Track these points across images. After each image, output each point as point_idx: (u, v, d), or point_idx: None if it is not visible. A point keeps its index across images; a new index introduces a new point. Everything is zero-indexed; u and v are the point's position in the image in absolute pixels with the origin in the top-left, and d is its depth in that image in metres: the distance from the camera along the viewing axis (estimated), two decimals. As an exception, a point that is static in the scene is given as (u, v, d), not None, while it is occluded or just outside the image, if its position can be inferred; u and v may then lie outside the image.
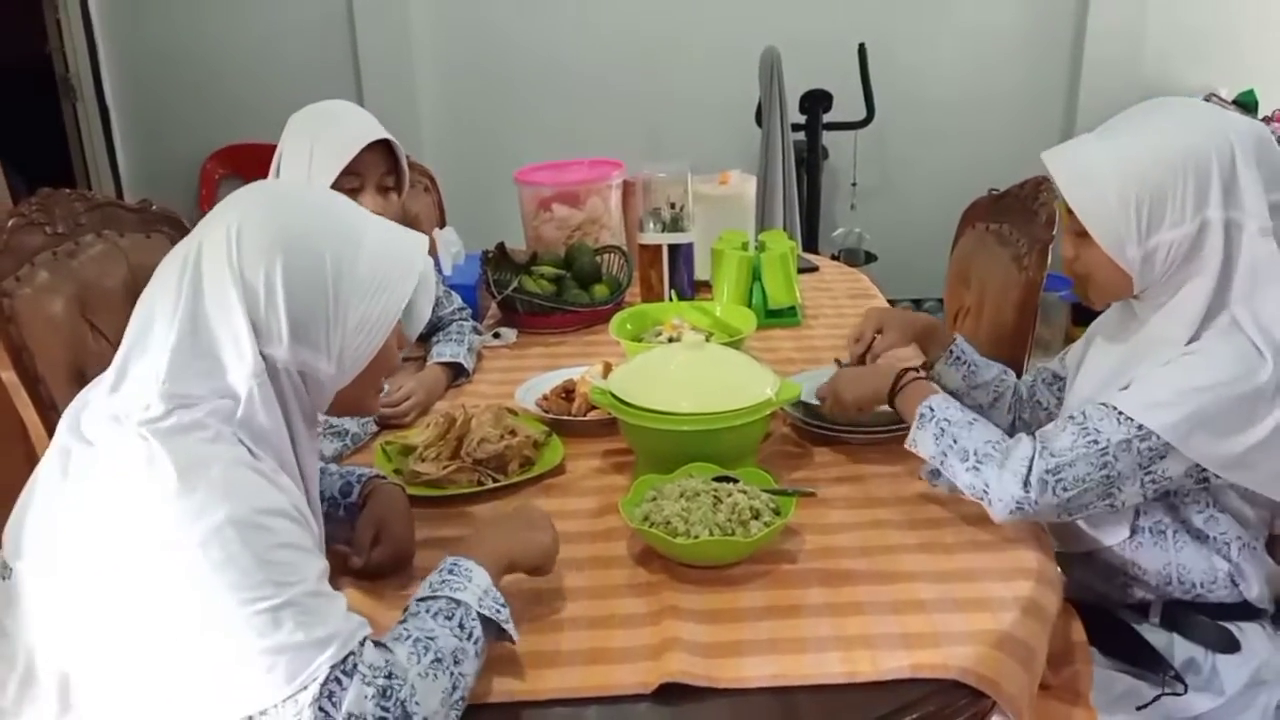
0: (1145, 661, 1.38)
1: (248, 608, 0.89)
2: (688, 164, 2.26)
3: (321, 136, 1.69)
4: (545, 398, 1.75)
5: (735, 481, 1.36)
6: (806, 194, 3.92)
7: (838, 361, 1.77)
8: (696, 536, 1.26)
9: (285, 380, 1.03)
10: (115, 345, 1.07)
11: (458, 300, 2.09)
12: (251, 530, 0.91)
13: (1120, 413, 1.25)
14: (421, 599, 1.05)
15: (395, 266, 1.08)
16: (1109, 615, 1.44)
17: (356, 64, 4.22)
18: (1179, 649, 1.38)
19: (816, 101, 3.89)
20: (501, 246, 2.27)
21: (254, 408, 1.00)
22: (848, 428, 1.61)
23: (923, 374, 1.48)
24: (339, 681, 0.91)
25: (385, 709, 0.92)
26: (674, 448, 1.44)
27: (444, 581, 1.06)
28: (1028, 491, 1.26)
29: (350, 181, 1.69)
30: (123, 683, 0.94)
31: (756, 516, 1.29)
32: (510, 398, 1.78)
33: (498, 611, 1.06)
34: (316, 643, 0.91)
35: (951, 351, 1.65)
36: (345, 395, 1.11)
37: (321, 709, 0.90)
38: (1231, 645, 1.36)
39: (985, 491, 1.29)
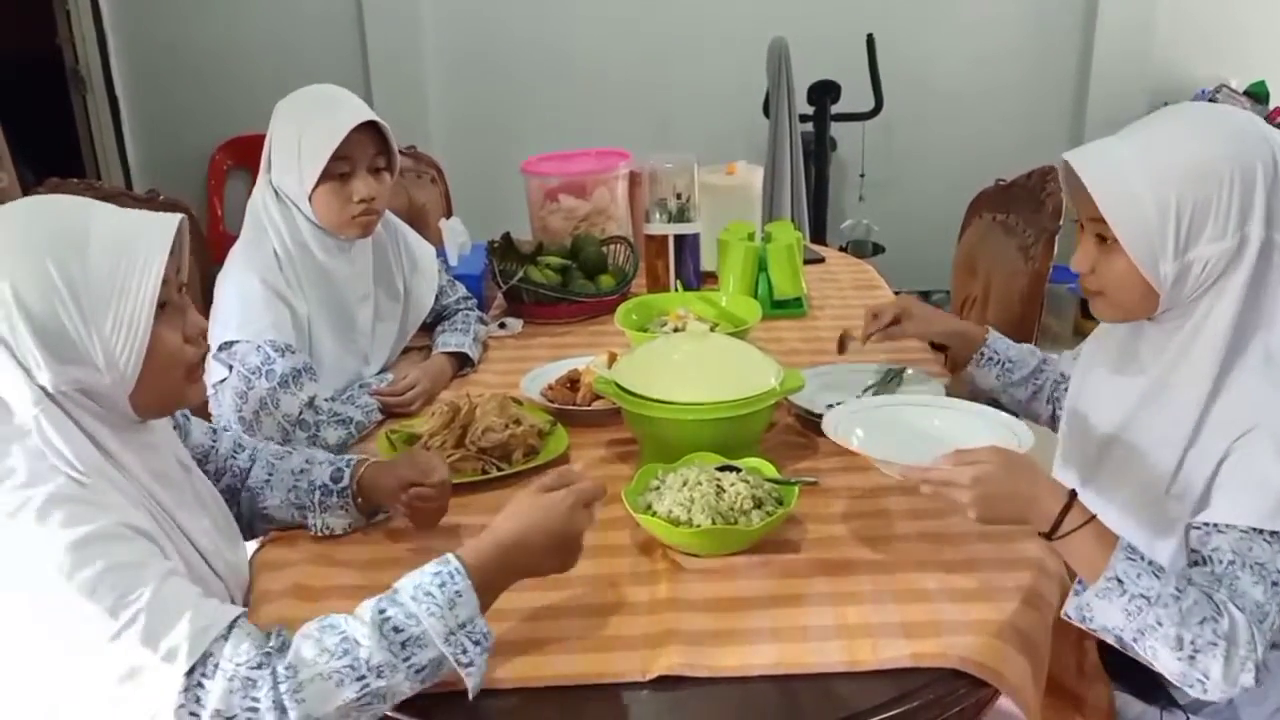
0: (1148, 691, 1.34)
1: (90, 644, 0.92)
2: (694, 155, 2.26)
3: (309, 123, 1.68)
4: (550, 387, 1.75)
5: (738, 471, 1.36)
6: (814, 185, 3.91)
7: (844, 339, 1.73)
8: (699, 525, 1.26)
9: (65, 401, 1.01)
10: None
11: (462, 290, 2.10)
12: (75, 568, 0.93)
13: (1263, 532, 1.11)
14: (395, 592, 1.01)
15: (134, 259, 1.02)
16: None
17: (365, 55, 4.22)
18: None
19: (824, 92, 3.88)
20: (508, 236, 2.27)
21: (47, 437, 0.98)
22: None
23: (1089, 515, 1.12)
24: (200, 685, 0.93)
25: (255, 702, 0.93)
26: (678, 437, 1.44)
27: (427, 594, 1.00)
28: (1258, 681, 1.07)
29: (341, 166, 1.68)
30: None
31: (759, 506, 1.30)
32: (515, 387, 1.78)
33: (463, 652, 1.00)
34: (167, 655, 0.93)
35: (983, 352, 1.60)
36: (149, 395, 1.07)
37: (190, 713, 0.93)
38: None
39: (1202, 682, 1.07)
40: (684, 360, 1.53)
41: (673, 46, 4.26)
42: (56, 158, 3.75)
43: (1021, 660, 1.12)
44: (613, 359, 1.71)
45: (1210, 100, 4.05)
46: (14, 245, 1.00)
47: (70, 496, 0.97)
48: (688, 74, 4.26)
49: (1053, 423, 1.60)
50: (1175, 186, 1.15)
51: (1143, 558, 1.09)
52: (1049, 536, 1.12)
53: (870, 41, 3.90)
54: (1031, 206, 2.05)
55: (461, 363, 1.93)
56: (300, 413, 1.62)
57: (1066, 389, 1.56)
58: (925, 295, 4.34)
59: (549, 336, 2.11)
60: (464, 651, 1.00)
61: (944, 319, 1.67)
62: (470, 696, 1.02)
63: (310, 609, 1.20)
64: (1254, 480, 1.12)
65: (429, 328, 2.02)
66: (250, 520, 1.39)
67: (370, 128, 1.71)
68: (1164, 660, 1.08)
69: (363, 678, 0.96)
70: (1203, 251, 1.16)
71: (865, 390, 1.69)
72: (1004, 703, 1.14)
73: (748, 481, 1.33)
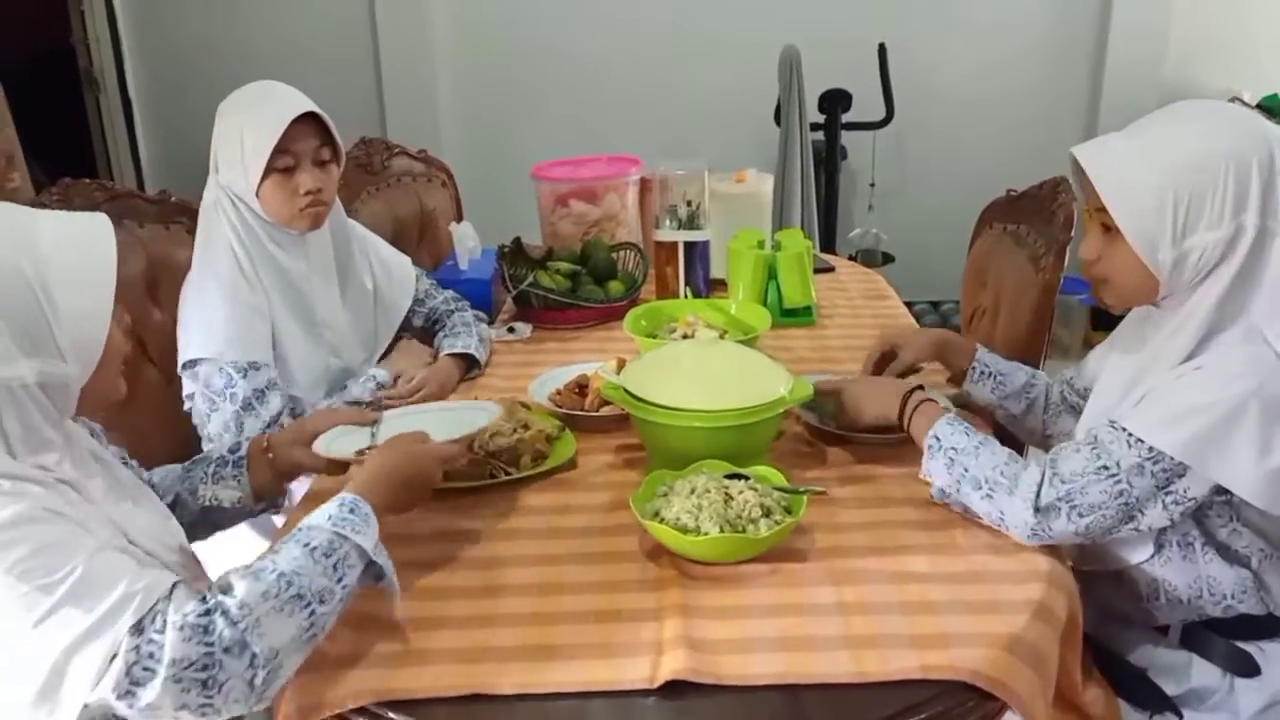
0: (1139, 695, 1.36)
1: (29, 622, 0.94)
2: (705, 162, 2.26)
3: (249, 118, 1.69)
4: (558, 392, 1.75)
5: (746, 479, 1.36)
6: (824, 194, 3.91)
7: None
8: (707, 533, 1.26)
9: (9, 396, 1.03)
10: (131, 335, 1.11)
11: (449, 292, 2.10)
12: (2, 550, 0.94)
13: (1129, 434, 1.23)
14: (310, 528, 1.10)
15: (92, 253, 1.09)
16: (1104, 646, 1.42)
17: (377, 59, 4.23)
18: (1197, 670, 1.35)
19: (835, 101, 3.88)
20: (518, 241, 2.27)
21: None
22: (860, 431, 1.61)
23: (928, 394, 1.45)
24: (153, 640, 0.95)
25: (209, 645, 0.96)
26: (686, 444, 1.44)
27: (344, 520, 1.11)
28: (1039, 517, 1.24)
29: (284, 160, 1.69)
30: None
31: (767, 514, 1.29)
32: (524, 392, 1.78)
33: (387, 559, 1.13)
34: (106, 616, 0.95)
35: (975, 367, 1.62)
36: (93, 386, 1.11)
37: (144, 669, 0.94)
38: (1250, 668, 1.32)
39: (1001, 519, 1.28)
40: (693, 367, 1.53)
41: (684, 54, 4.26)
42: (69, 158, 3.76)
43: (1030, 673, 1.12)
44: (621, 365, 1.70)
45: (1223, 113, 4.04)
46: None
47: None
48: (699, 81, 4.26)
49: (1045, 440, 1.62)
50: (1172, 177, 1.22)
51: (960, 423, 1.36)
52: (901, 419, 1.42)
53: (882, 51, 3.90)
54: (1042, 217, 2.04)
55: (469, 365, 1.93)
56: (266, 430, 1.64)
57: (1071, 403, 1.60)
58: (935, 305, 4.33)
59: (558, 342, 2.11)
60: (387, 559, 1.13)
61: (931, 333, 1.70)
62: (397, 600, 1.16)
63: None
64: (1159, 400, 1.23)
65: (428, 334, 2.03)
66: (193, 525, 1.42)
67: (313, 122, 1.71)
68: (974, 502, 1.30)
69: (309, 605, 1.03)
70: (1200, 239, 1.22)
71: None
72: (1012, 717, 1.13)
73: (756, 490, 1.32)
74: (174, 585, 1.00)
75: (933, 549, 1.31)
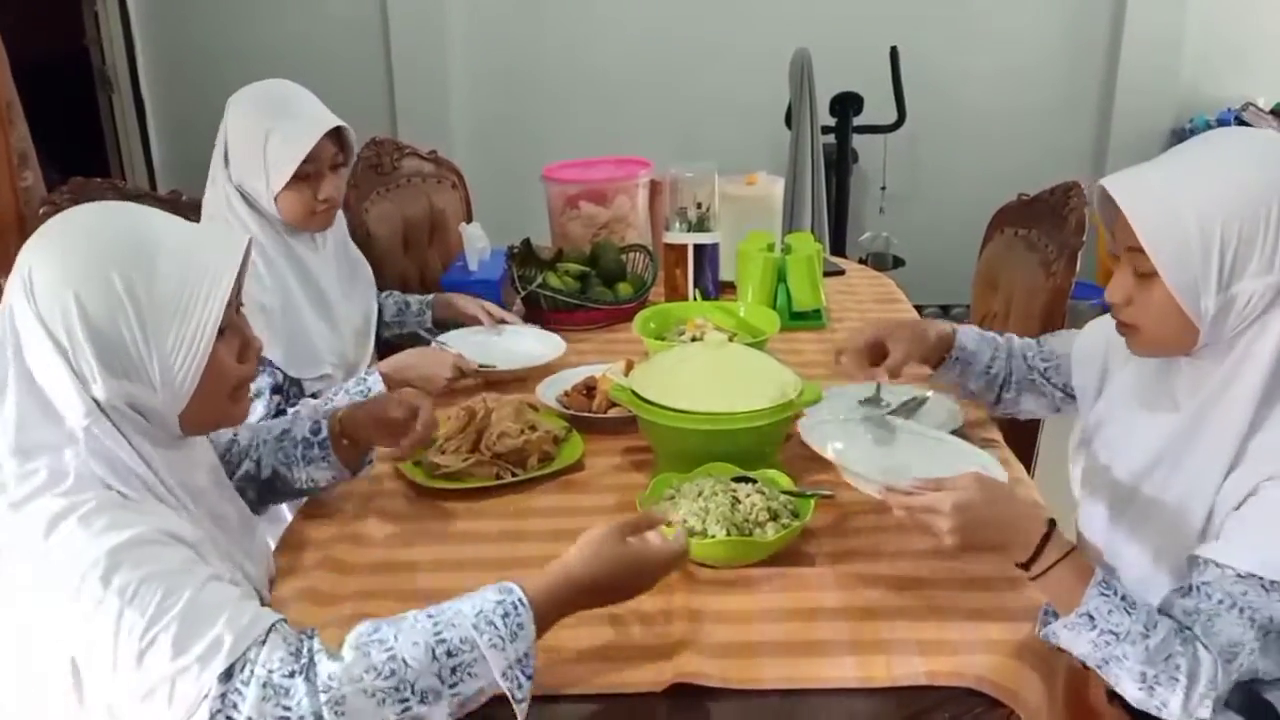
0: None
1: (126, 645, 0.91)
2: (715, 164, 2.26)
3: (277, 128, 1.72)
4: (566, 394, 1.75)
5: (754, 482, 1.36)
6: (835, 197, 3.90)
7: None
8: (714, 536, 1.25)
9: (114, 415, 1.00)
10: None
11: (393, 300, 2.16)
12: (114, 571, 0.92)
13: (1263, 579, 1.07)
14: (454, 613, 0.98)
15: (201, 278, 1.02)
16: None
17: (389, 60, 4.24)
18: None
19: (847, 104, 3.87)
20: (527, 243, 2.27)
21: (97, 447, 0.98)
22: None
23: (1068, 546, 1.12)
24: (237, 690, 0.91)
25: (286, 712, 0.90)
26: (693, 447, 1.43)
27: (490, 624, 0.97)
28: (1211, 710, 1.07)
29: (306, 168, 1.73)
30: None
31: (774, 518, 1.29)
32: (531, 393, 1.78)
33: (518, 687, 0.97)
34: (201, 658, 0.91)
35: (950, 353, 1.55)
36: (196, 414, 1.06)
37: (226, 718, 0.91)
38: (1270, 716, 1.24)
39: (1159, 710, 1.08)
40: (701, 370, 1.52)
41: (696, 56, 4.26)
42: (82, 157, 3.78)
43: (1038, 681, 1.11)
44: (630, 367, 1.70)
45: (1236, 118, 4.02)
46: (80, 252, 0.99)
47: (114, 503, 0.97)
48: (710, 84, 4.26)
49: (995, 407, 1.59)
50: (1219, 215, 1.09)
51: (1116, 592, 1.08)
52: (1027, 567, 1.10)
53: (894, 54, 3.89)
54: (1054, 222, 2.03)
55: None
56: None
57: (1047, 376, 1.52)
58: (945, 309, 4.32)
59: (566, 343, 2.10)
60: (519, 686, 0.97)
61: (929, 330, 1.54)
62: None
63: (325, 612, 1.21)
64: (1268, 524, 1.09)
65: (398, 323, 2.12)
66: (260, 498, 1.41)
67: (333, 130, 1.76)
68: (1125, 687, 1.08)
69: (405, 700, 0.93)
70: (1246, 286, 1.10)
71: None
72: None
73: (763, 493, 1.32)
74: (271, 627, 0.95)
75: (940, 555, 1.29)
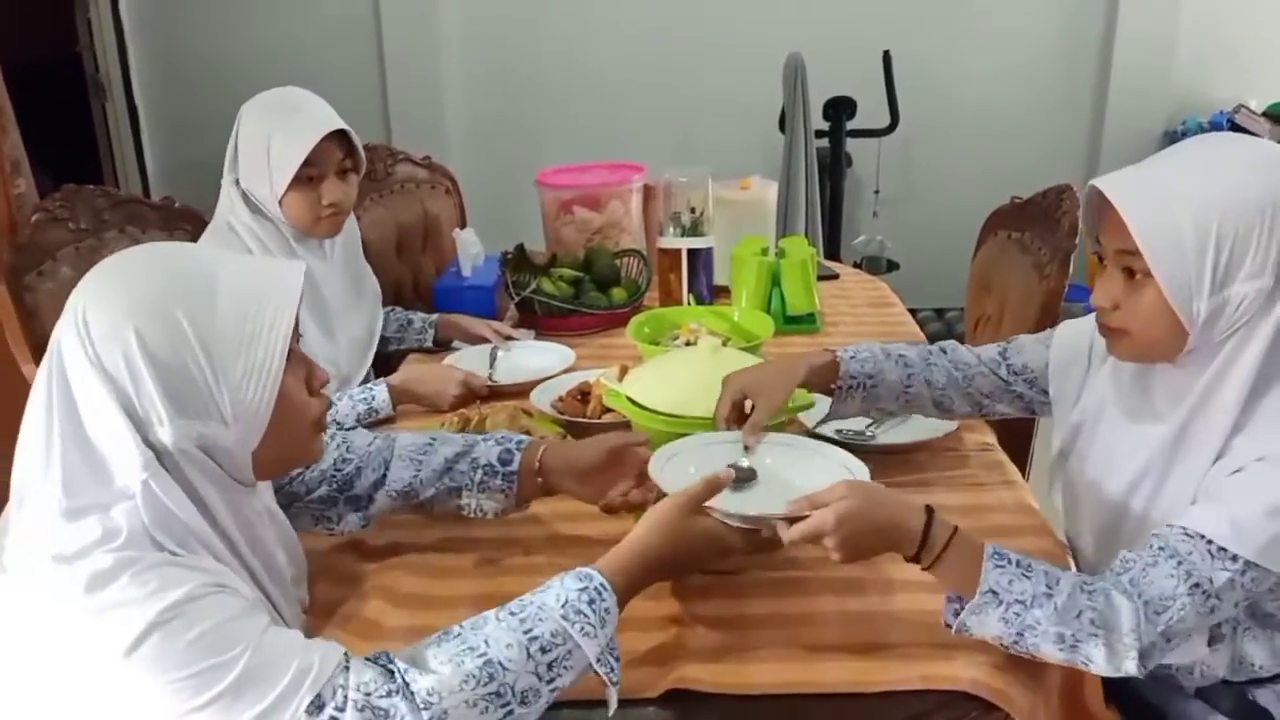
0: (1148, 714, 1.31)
1: (195, 704, 0.85)
2: (709, 169, 2.26)
3: (279, 129, 1.72)
4: (561, 399, 1.75)
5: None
6: (829, 201, 3.90)
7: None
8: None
9: (183, 461, 0.94)
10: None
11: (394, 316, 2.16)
12: (173, 626, 0.86)
13: (1212, 543, 1.07)
14: (539, 608, 0.96)
15: (263, 307, 0.97)
16: (1126, 683, 1.30)
17: (382, 65, 4.24)
18: None
19: (840, 108, 3.88)
20: (521, 248, 2.27)
21: (154, 502, 0.92)
22: (864, 438, 1.60)
23: (951, 528, 1.10)
24: (334, 718, 0.87)
25: None
26: (687, 452, 1.43)
27: (578, 614, 0.96)
28: (1145, 666, 1.06)
29: (309, 171, 1.73)
30: None
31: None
32: (526, 398, 1.77)
33: (611, 671, 0.97)
34: (281, 697, 0.87)
35: (841, 384, 1.43)
36: (272, 451, 1.01)
37: None
38: None
39: (1087, 664, 1.07)
40: (695, 374, 1.51)
41: (689, 60, 4.26)
42: (75, 164, 3.77)
43: (1032, 684, 1.11)
44: (624, 372, 1.70)
45: (1229, 120, 4.03)
46: (140, 292, 0.94)
47: (166, 560, 0.91)
48: (703, 88, 4.26)
49: (935, 409, 1.48)
50: (1215, 216, 1.08)
51: (1010, 560, 1.07)
52: (918, 559, 1.09)
53: (887, 58, 3.90)
54: (1047, 225, 2.04)
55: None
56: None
57: (1009, 390, 1.46)
58: (939, 313, 4.32)
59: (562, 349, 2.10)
60: (611, 670, 0.97)
61: (789, 371, 1.41)
62: (610, 712, 0.99)
63: (322, 623, 1.20)
64: (1231, 500, 1.09)
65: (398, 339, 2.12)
66: (344, 519, 1.33)
67: (338, 133, 1.75)
68: (1047, 653, 1.07)
69: (507, 704, 0.92)
70: (1239, 289, 1.09)
71: (875, 423, 1.65)
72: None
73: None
74: (346, 654, 0.92)
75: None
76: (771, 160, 3.59)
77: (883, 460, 1.55)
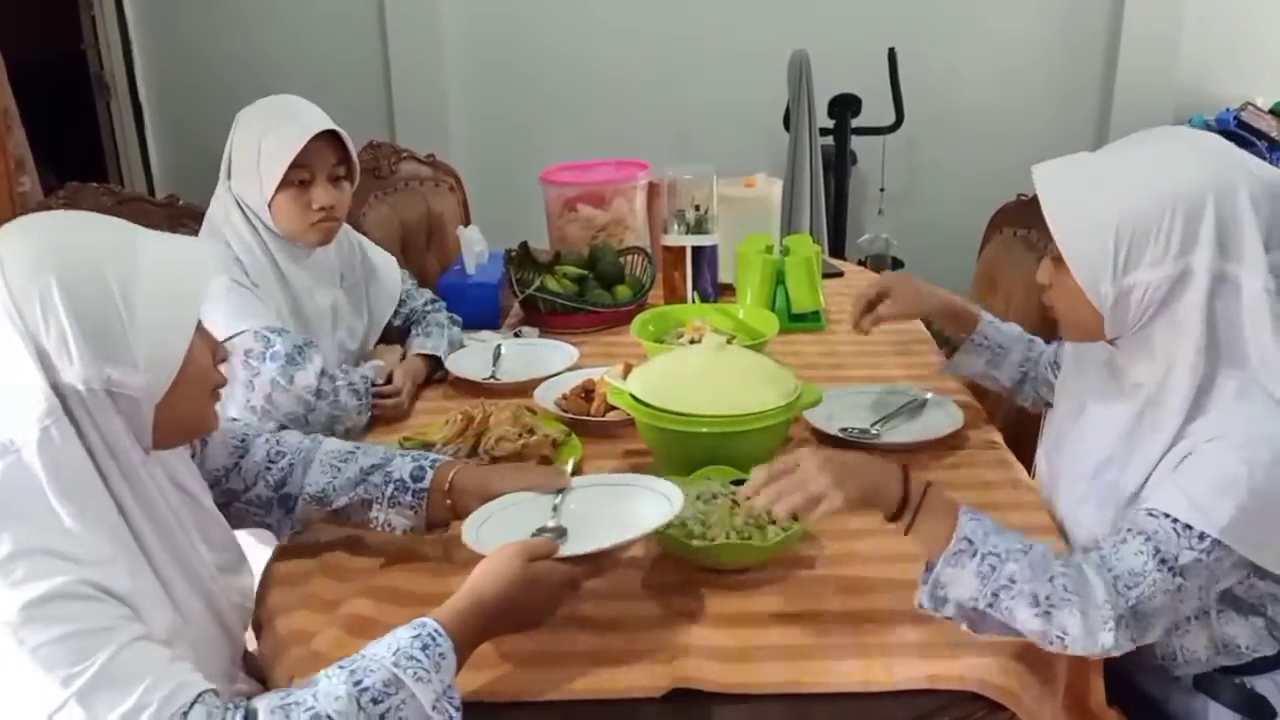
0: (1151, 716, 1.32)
1: (37, 715, 0.86)
2: (714, 166, 2.25)
3: (269, 131, 1.70)
4: (564, 397, 1.74)
5: (753, 485, 1.35)
6: (834, 198, 3.90)
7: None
8: (714, 540, 1.24)
9: (85, 412, 0.95)
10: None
11: (428, 294, 2.11)
12: (31, 630, 0.86)
13: (1177, 521, 1.09)
14: (369, 659, 0.95)
15: (183, 273, 1.02)
16: (1128, 681, 1.35)
17: (386, 63, 4.24)
18: (1213, 714, 1.30)
19: (845, 106, 3.87)
20: (525, 246, 2.27)
21: (51, 453, 0.92)
22: (870, 436, 1.60)
23: (930, 482, 1.14)
24: None
25: None
26: (692, 450, 1.43)
27: (410, 660, 0.95)
28: (1119, 641, 1.07)
29: (300, 174, 1.70)
30: None
31: (775, 521, 1.28)
32: (530, 396, 1.77)
33: (449, 718, 0.95)
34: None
35: (974, 339, 1.61)
36: (170, 415, 1.02)
37: None
38: (1265, 712, 1.26)
39: (1061, 638, 1.07)
40: (700, 372, 1.51)
41: (693, 58, 4.25)
42: (79, 162, 3.77)
43: (1039, 684, 1.10)
44: (628, 370, 1.70)
45: (1235, 118, 4.02)
46: (62, 243, 0.97)
47: (39, 548, 0.90)
48: (708, 86, 4.25)
49: (1034, 406, 1.64)
50: (1119, 207, 1.15)
51: (984, 516, 1.10)
52: (899, 517, 1.11)
53: (892, 55, 3.89)
54: (1053, 222, 2.04)
55: (435, 365, 1.93)
56: (318, 382, 1.65)
57: (1048, 381, 1.58)
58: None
59: (565, 347, 2.10)
60: (450, 717, 0.95)
61: (932, 297, 1.66)
62: None
63: (325, 619, 1.20)
64: (1193, 474, 1.12)
65: (403, 332, 2.03)
66: (280, 524, 1.34)
67: (331, 136, 1.73)
68: (1022, 618, 1.06)
69: None
70: (1142, 276, 1.15)
71: (881, 420, 1.65)
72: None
73: (763, 496, 1.31)
74: (196, 698, 0.89)
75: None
76: (776, 158, 3.59)
77: (896, 453, 1.55)
